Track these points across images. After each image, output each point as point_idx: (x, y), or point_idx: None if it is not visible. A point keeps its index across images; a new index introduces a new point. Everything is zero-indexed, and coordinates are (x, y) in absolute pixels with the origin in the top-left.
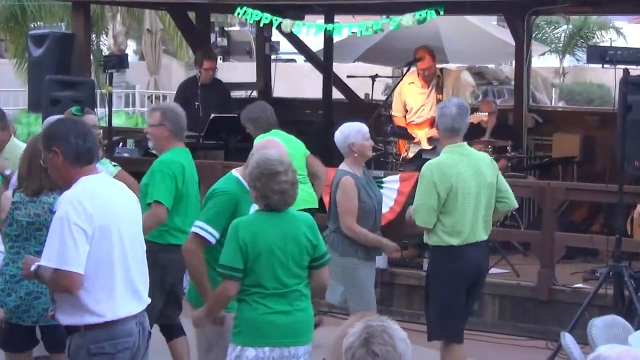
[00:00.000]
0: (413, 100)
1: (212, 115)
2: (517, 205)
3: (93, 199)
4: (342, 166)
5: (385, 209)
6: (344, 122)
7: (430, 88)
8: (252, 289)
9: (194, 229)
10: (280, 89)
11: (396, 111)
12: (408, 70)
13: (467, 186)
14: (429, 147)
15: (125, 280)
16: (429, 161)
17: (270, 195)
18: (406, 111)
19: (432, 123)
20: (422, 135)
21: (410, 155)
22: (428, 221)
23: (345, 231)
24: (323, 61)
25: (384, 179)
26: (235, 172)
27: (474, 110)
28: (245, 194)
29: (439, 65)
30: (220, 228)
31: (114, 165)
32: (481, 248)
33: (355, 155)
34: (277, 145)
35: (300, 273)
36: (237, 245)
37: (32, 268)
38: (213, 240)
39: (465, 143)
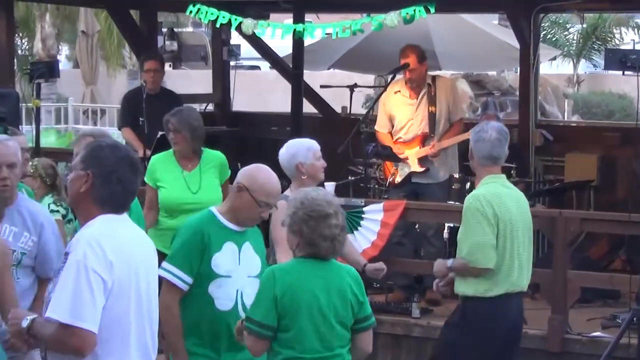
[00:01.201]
0: (400, 112)
1: (160, 133)
2: None
3: (114, 243)
4: (287, 192)
5: (366, 244)
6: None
7: (419, 98)
8: (287, 351)
9: (161, 274)
10: (241, 102)
11: (380, 126)
12: (393, 78)
13: (515, 224)
14: (421, 170)
15: (139, 344)
16: (472, 193)
17: (318, 242)
18: (392, 126)
19: (423, 140)
20: (411, 155)
21: (398, 179)
22: (491, 260)
23: None
24: (292, 68)
25: (364, 209)
26: (214, 208)
27: (472, 125)
28: (220, 229)
29: (430, 72)
30: (192, 271)
31: (53, 211)
32: (520, 299)
33: (304, 177)
34: (269, 173)
35: (345, 334)
36: (271, 297)
37: (24, 323)
38: (185, 287)
39: (504, 175)
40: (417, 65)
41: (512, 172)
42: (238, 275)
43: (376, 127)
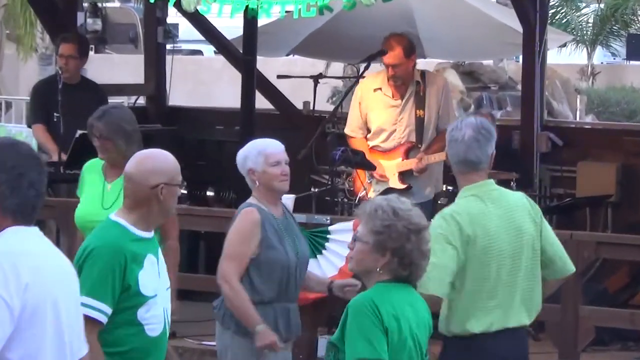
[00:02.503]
0: (380, 115)
1: (79, 131)
2: (573, 269)
3: (30, 261)
4: (250, 199)
5: (332, 271)
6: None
7: (405, 99)
8: None
9: (82, 310)
10: (180, 94)
11: (352, 129)
12: (367, 68)
13: (498, 246)
14: (402, 187)
15: None
16: (442, 210)
17: (419, 261)
18: (368, 131)
19: (407, 151)
20: (390, 168)
21: (372, 194)
22: (441, 287)
23: (218, 280)
24: (242, 54)
25: (330, 228)
26: (116, 217)
27: None
28: (136, 243)
29: (418, 65)
30: (111, 301)
31: None
32: (518, 338)
33: (257, 186)
34: (154, 154)
35: None
36: (380, 328)
37: None
38: (104, 319)
39: (491, 181)
40: (404, 59)
41: (512, 183)
42: (161, 292)
43: (347, 131)
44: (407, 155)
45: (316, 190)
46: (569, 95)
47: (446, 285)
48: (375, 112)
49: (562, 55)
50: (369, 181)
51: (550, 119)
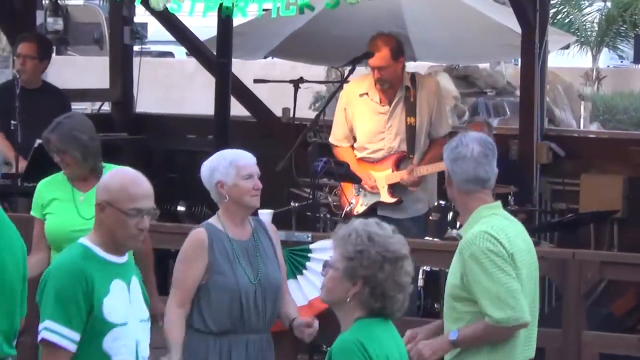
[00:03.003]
0: (367, 123)
1: (38, 141)
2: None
3: None
4: (211, 220)
5: (313, 293)
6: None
7: (394, 105)
8: None
9: (43, 335)
10: (149, 100)
11: (337, 138)
12: (352, 72)
13: (528, 267)
14: (392, 200)
15: None
16: (474, 231)
17: (394, 293)
18: (355, 140)
19: (398, 161)
20: (379, 180)
21: (360, 209)
22: (526, 311)
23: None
24: (216, 57)
25: (312, 246)
26: (84, 239)
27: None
28: (102, 265)
29: (408, 68)
30: (79, 326)
31: None
32: None
33: (226, 201)
34: (126, 173)
35: None
36: None
37: None
38: (74, 347)
39: (500, 203)
40: (391, 61)
41: (509, 198)
42: (133, 321)
43: (332, 140)
44: (397, 166)
45: (296, 205)
46: (572, 101)
47: (526, 307)
48: (362, 119)
49: (565, 58)
50: (356, 193)
51: (552, 127)
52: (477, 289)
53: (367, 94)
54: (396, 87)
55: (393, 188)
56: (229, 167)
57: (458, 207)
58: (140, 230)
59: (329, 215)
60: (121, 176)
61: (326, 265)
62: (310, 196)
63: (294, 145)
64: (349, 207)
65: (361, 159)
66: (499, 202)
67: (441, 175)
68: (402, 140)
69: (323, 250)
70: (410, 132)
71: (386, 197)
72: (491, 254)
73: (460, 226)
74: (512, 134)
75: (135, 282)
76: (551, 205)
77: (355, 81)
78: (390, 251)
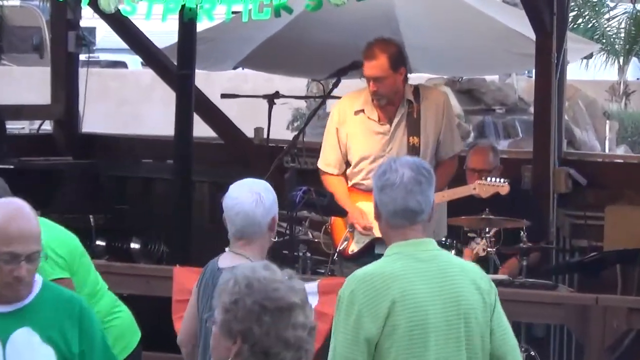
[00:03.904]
0: (363, 144)
1: None
2: None
3: None
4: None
5: None
6: (217, 180)
7: (395, 124)
8: None
9: None
10: (97, 118)
11: (328, 163)
12: (337, 84)
13: (423, 316)
14: None
15: None
16: (354, 273)
17: (279, 350)
18: (348, 165)
19: None
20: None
21: (354, 248)
22: None
23: None
24: (177, 67)
25: None
26: None
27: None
28: None
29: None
30: None
31: None
32: None
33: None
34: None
35: None
36: None
37: None
38: None
39: (431, 241)
40: (389, 72)
41: (521, 234)
42: None
43: (321, 165)
44: None
45: (274, 239)
46: (596, 120)
47: None
48: (357, 140)
49: (587, 70)
50: (350, 230)
51: (572, 150)
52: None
53: (363, 110)
54: (397, 103)
55: None
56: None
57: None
58: (17, 279)
59: (309, 254)
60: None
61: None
62: (287, 231)
63: (268, 172)
64: (343, 246)
65: (354, 187)
66: (423, 242)
67: (451, 205)
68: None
69: None
70: (413, 154)
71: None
72: (340, 300)
73: None
74: (525, 159)
75: (26, 334)
76: (570, 242)
77: (349, 96)
78: (271, 299)
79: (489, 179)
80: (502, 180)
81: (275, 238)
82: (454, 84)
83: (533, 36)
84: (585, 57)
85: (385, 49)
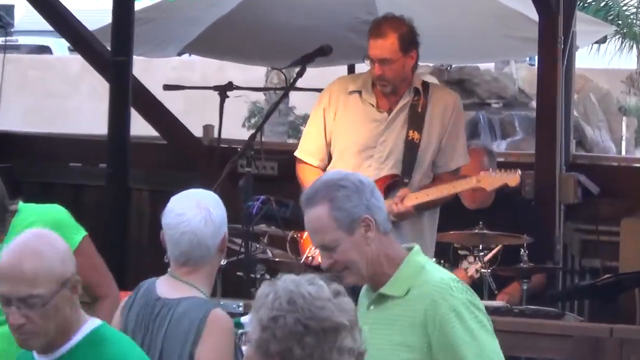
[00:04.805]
0: (353, 130)
1: None
2: None
3: None
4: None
5: None
6: (159, 188)
7: (395, 113)
8: None
9: None
10: (15, 114)
11: (307, 151)
12: (301, 73)
13: None
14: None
15: None
16: (437, 278)
17: None
18: (330, 156)
19: (386, 187)
20: None
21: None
22: None
23: None
24: (111, 53)
25: (244, 319)
26: None
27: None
28: None
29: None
30: None
31: None
32: None
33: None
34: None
35: None
36: None
37: None
38: None
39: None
40: (399, 54)
41: (521, 252)
42: None
43: (299, 153)
44: (386, 193)
45: (223, 261)
46: (610, 116)
47: None
48: (348, 125)
49: (600, 57)
50: None
51: (582, 153)
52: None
53: (359, 92)
54: (402, 91)
55: None
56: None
57: (378, 257)
58: (11, 325)
59: (268, 276)
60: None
61: (244, 337)
62: (242, 249)
63: (220, 178)
64: (310, 255)
65: None
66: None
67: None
68: (396, 160)
69: None
70: (410, 150)
71: None
72: (471, 306)
73: None
74: (526, 163)
75: None
76: (580, 262)
77: (345, 77)
78: (316, 319)
79: (496, 170)
80: (512, 171)
81: (224, 261)
82: (441, 74)
83: (536, 17)
84: (597, 42)
85: (397, 27)
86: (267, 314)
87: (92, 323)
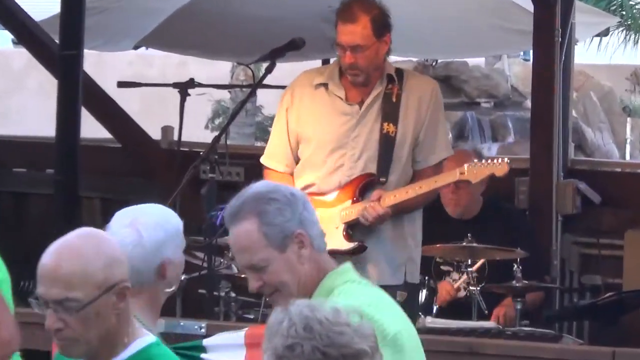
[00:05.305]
0: (321, 126)
1: None
2: None
3: None
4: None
5: None
6: (112, 197)
7: (367, 104)
8: None
9: None
10: None
11: (271, 156)
12: (271, 69)
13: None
14: (348, 247)
15: None
16: (365, 305)
17: None
18: (297, 159)
19: (362, 187)
20: (332, 217)
21: None
22: None
23: None
24: (60, 47)
25: (205, 342)
26: None
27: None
28: None
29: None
30: None
31: None
32: None
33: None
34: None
35: None
36: None
37: None
38: None
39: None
40: (372, 39)
41: (514, 268)
42: None
43: (264, 159)
44: (361, 194)
45: (183, 277)
46: (613, 116)
47: None
48: (315, 121)
49: (601, 51)
50: None
51: (581, 157)
52: None
53: (326, 85)
54: (373, 80)
55: (352, 228)
56: (177, 235)
57: (311, 278)
58: (49, 330)
59: (233, 294)
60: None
61: None
62: (205, 264)
63: (180, 186)
64: None
65: (305, 188)
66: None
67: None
68: (370, 157)
69: (225, 348)
70: (386, 145)
71: (340, 242)
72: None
73: (440, 309)
74: (520, 169)
75: None
76: (579, 278)
77: (309, 71)
78: (335, 345)
79: (482, 160)
80: (499, 160)
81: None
82: (425, 69)
83: (531, 7)
84: (598, 35)
85: (368, 9)
86: (282, 342)
87: (144, 340)
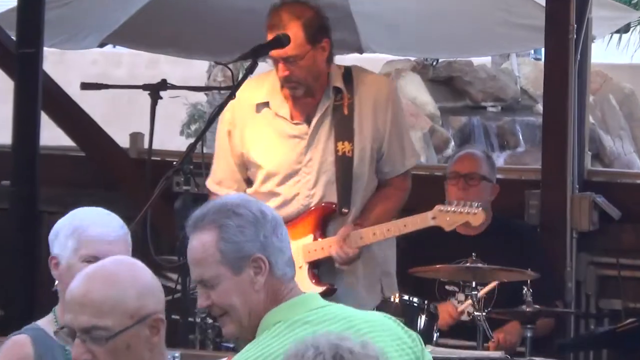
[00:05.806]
0: (268, 153)
1: None
2: None
3: None
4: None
5: None
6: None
7: (316, 122)
8: None
9: None
10: None
11: (217, 181)
12: (252, 69)
13: None
14: (319, 290)
15: None
16: None
17: None
18: (250, 184)
19: (322, 222)
20: (295, 254)
21: None
22: None
23: None
24: (17, 44)
25: None
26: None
27: (431, 181)
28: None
29: (343, 60)
30: None
31: None
32: None
33: (57, 285)
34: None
35: None
36: None
37: None
38: None
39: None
40: (305, 47)
41: (524, 291)
42: None
43: (209, 184)
44: (323, 229)
45: (169, 297)
46: (635, 123)
47: None
48: (260, 148)
49: (621, 50)
50: None
51: (599, 168)
52: None
53: (267, 104)
54: (318, 93)
55: (317, 267)
56: (72, 234)
57: (265, 309)
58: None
59: (210, 320)
60: None
61: None
62: (179, 286)
63: (150, 199)
64: None
65: None
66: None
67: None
68: (327, 182)
69: None
70: (343, 167)
71: (307, 285)
72: None
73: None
74: (530, 180)
75: None
76: (597, 302)
77: (248, 84)
78: None
79: (454, 203)
80: (474, 204)
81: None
82: (425, 70)
83: (543, 1)
84: (618, 31)
85: (299, 13)
86: None
87: None
